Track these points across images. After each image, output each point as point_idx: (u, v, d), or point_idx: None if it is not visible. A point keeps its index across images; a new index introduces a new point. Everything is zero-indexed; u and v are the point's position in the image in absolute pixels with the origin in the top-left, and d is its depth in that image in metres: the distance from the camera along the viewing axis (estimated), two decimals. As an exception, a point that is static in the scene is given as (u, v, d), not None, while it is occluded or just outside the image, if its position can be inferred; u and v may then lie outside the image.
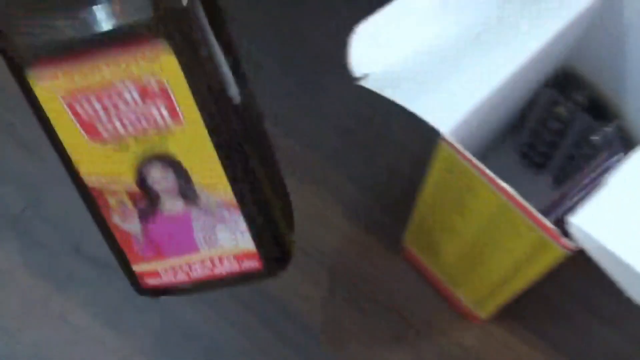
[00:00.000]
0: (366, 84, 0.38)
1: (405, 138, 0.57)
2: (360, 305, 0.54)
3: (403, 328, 0.53)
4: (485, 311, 0.51)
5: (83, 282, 0.54)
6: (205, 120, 0.33)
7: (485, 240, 0.43)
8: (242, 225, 0.37)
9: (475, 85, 0.38)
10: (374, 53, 0.38)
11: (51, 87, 0.32)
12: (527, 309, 0.53)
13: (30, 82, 0.31)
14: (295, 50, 0.59)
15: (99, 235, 0.55)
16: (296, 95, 0.57)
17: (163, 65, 0.31)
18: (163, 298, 0.54)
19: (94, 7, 0.29)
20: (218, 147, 0.33)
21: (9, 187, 0.56)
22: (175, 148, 0.34)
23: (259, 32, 0.60)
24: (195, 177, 0.35)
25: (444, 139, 0.38)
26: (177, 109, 0.32)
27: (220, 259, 0.38)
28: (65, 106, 0.32)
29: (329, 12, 0.61)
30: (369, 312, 0.53)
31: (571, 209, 0.37)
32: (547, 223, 0.36)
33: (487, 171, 0.37)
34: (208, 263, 0.38)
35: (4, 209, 0.56)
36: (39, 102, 0.32)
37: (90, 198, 0.37)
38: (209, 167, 0.34)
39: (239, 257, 0.38)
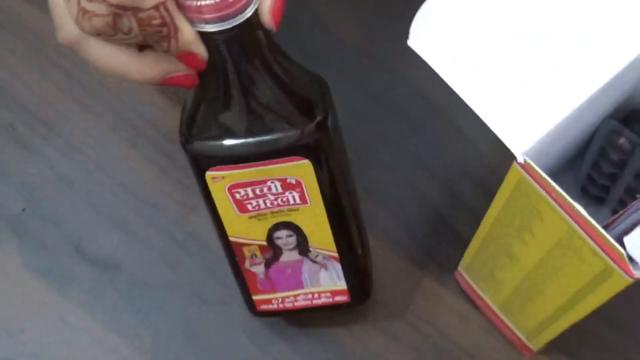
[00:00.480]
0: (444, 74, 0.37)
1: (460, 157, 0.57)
2: (407, 330, 0.54)
3: (453, 356, 0.53)
4: (538, 343, 0.50)
5: (83, 282, 0.54)
6: (325, 203, 0.44)
7: (547, 268, 0.42)
8: (340, 271, 0.48)
9: (551, 108, 0.37)
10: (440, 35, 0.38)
11: (222, 183, 0.43)
12: (575, 343, 0.53)
13: (207, 180, 0.43)
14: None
15: (99, 236, 0.55)
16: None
17: (303, 171, 0.42)
18: (164, 298, 0.54)
19: (263, 138, 0.41)
20: (331, 219, 0.45)
21: (9, 187, 0.56)
22: (300, 219, 0.45)
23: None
24: (311, 239, 0.47)
25: (517, 161, 0.37)
26: (306, 196, 0.44)
27: (319, 294, 0.50)
28: (227, 193, 0.44)
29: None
30: (415, 336, 0.54)
31: (625, 232, 0.37)
32: (617, 247, 0.35)
33: (562, 193, 0.36)
34: (309, 296, 0.50)
35: (4, 209, 0.56)
36: (210, 192, 0.43)
37: (231, 250, 0.47)
38: (322, 233, 0.46)
39: (333, 293, 0.50)
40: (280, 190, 0.44)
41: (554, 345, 0.52)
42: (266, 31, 0.39)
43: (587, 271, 0.39)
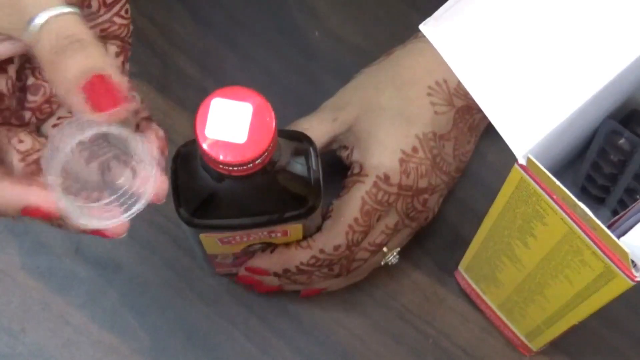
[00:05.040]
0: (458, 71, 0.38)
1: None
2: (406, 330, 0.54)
3: (453, 356, 0.53)
4: (538, 343, 0.50)
5: (83, 282, 0.54)
6: (304, 232, 0.47)
7: (547, 269, 0.42)
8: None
9: (551, 109, 0.37)
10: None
11: (214, 237, 0.45)
12: (575, 344, 0.53)
13: (200, 236, 0.45)
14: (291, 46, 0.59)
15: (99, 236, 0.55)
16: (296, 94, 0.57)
17: (292, 227, 0.46)
18: (164, 298, 0.54)
19: (257, 219, 0.44)
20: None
21: (8, 187, 0.56)
22: (276, 241, 0.48)
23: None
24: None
25: (517, 162, 0.37)
26: (288, 232, 0.46)
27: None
28: (217, 241, 0.46)
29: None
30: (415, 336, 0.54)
31: (625, 232, 0.37)
32: (623, 248, 0.35)
33: (567, 192, 0.36)
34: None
35: (4, 209, 0.56)
36: (201, 241, 0.46)
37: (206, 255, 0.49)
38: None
39: None
40: (266, 234, 0.46)
41: (554, 345, 0.52)
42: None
43: (587, 273, 0.39)
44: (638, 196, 0.48)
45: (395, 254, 0.51)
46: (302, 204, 0.44)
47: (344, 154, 0.51)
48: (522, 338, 0.51)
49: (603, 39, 0.39)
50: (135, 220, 0.56)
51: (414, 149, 0.48)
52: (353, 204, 0.47)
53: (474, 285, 0.53)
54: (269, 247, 0.49)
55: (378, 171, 0.47)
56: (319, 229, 0.48)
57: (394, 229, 0.49)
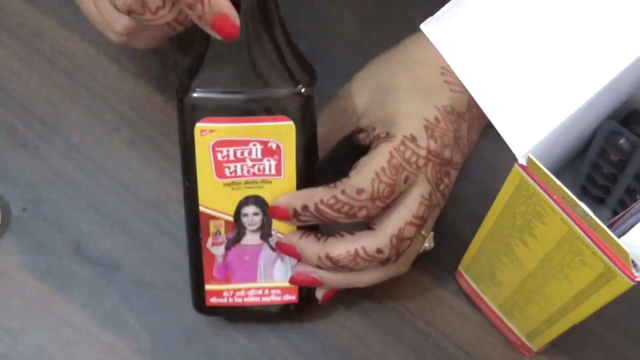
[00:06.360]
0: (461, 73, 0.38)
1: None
2: (406, 330, 0.54)
3: (453, 356, 0.53)
4: (538, 343, 0.50)
5: (83, 282, 0.54)
6: (297, 177, 0.46)
7: (548, 269, 0.42)
8: (294, 262, 0.49)
9: (551, 110, 0.37)
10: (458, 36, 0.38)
11: (208, 138, 0.45)
12: (575, 344, 0.53)
13: (195, 133, 0.45)
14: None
15: (99, 236, 0.55)
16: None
17: (286, 133, 0.45)
18: (164, 298, 0.54)
19: (259, 90, 0.44)
20: None
21: (9, 187, 0.56)
22: (270, 194, 0.47)
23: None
24: (275, 221, 0.48)
25: (517, 162, 0.37)
26: (282, 166, 0.46)
27: (270, 291, 0.50)
28: (210, 151, 0.45)
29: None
30: (415, 336, 0.54)
31: (625, 232, 0.37)
32: (624, 248, 0.35)
33: (568, 192, 0.36)
34: (260, 292, 0.50)
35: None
36: (194, 147, 0.45)
37: (197, 223, 0.48)
38: None
39: (283, 291, 0.50)
40: (259, 155, 0.45)
41: (554, 345, 0.52)
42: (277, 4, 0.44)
43: (588, 273, 0.39)
44: (638, 196, 0.49)
45: (431, 237, 0.50)
46: (301, 78, 0.45)
47: (361, 136, 0.50)
48: (522, 338, 0.51)
49: (603, 39, 0.39)
50: (135, 220, 0.56)
51: (437, 119, 0.47)
52: (380, 156, 0.46)
53: (474, 285, 0.53)
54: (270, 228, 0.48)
55: (405, 132, 0.46)
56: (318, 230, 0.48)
57: (429, 200, 0.47)
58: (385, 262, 0.47)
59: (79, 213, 0.56)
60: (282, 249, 0.48)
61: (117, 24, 0.44)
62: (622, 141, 0.48)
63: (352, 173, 0.46)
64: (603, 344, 0.53)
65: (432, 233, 0.50)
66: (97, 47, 0.59)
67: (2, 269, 0.54)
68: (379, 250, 0.47)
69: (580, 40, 0.39)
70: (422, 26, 0.38)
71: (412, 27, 0.48)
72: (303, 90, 0.45)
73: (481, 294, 0.52)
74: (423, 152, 0.46)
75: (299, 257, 0.48)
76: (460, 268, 0.53)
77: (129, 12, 0.41)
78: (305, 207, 0.46)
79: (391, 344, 0.53)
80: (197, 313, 0.51)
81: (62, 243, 0.55)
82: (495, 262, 0.47)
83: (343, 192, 0.45)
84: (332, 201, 0.45)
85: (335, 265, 0.47)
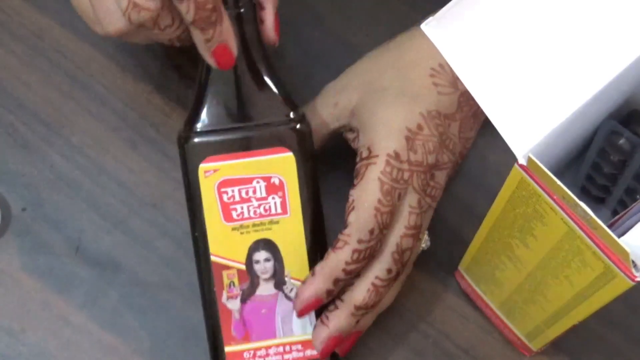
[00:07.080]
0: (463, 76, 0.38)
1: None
2: (407, 330, 0.54)
3: (453, 356, 0.53)
4: (538, 343, 0.50)
5: (83, 282, 0.54)
6: (302, 212, 0.47)
7: (548, 269, 0.42)
8: (313, 316, 0.48)
9: (551, 110, 0.37)
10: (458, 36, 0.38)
11: (213, 178, 0.46)
12: (575, 344, 0.53)
13: (200, 174, 0.46)
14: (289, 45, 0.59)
15: (99, 236, 0.55)
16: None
17: (287, 166, 0.46)
18: (164, 298, 0.54)
19: (255, 123, 0.47)
20: (307, 236, 0.47)
21: (9, 187, 0.56)
22: (278, 235, 0.47)
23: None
24: (287, 263, 0.48)
25: (517, 162, 0.37)
26: (287, 203, 0.47)
27: (291, 347, 0.48)
28: (216, 193, 0.46)
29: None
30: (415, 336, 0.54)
31: (625, 232, 0.37)
32: (624, 247, 0.35)
33: (568, 191, 0.36)
34: (281, 349, 0.48)
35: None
36: (200, 191, 0.46)
37: (210, 274, 0.47)
38: (298, 257, 0.48)
39: (305, 345, 0.49)
40: (264, 193, 0.46)
41: (554, 345, 0.52)
42: (260, 39, 0.46)
43: (588, 273, 0.39)
44: (638, 196, 0.48)
45: (426, 238, 0.50)
46: (293, 107, 0.47)
47: (350, 136, 0.51)
48: (522, 338, 0.51)
49: (603, 39, 0.39)
50: (135, 220, 0.56)
51: (419, 127, 0.48)
52: (372, 187, 0.47)
53: (474, 286, 0.53)
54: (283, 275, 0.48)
55: (387, 149, 0.47)
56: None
57: (419, 208, 0.48)
58: (397, 277, 0.49)
59: (79, 213, 0.56)
60: (326, 347, 0.48)
61: (112, 27, 0.44)
62: (622, 141, 0.48)
63: (352, 214, 0.47)
64: (603, 344, 0.53)
65: (426, 232, 0.50)
66: (97, 47, 0.59)
67: (2, 269, 0.54)
68: (389, 271, 0.48)
69: (580, 40, 0.39)
70: (423, 26, 0.38)
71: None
72: (296, 118, 0.47)
73: (481, 294, 0.52)
74: (406, 166, 0.47)
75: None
76: (460, 268, 0.53)
77: (138, 25, 0.41)
78: (337, 281, 0.46)
79: (391, 344, 0.53)
80: (193, 314, 0.51)
81: (62, 243, 0.55)
82: (495, 262, 0.47)
83: (360, 241, 0.46)
84: (355, 256, 0.46)
85: (367, 308, 0.48)
